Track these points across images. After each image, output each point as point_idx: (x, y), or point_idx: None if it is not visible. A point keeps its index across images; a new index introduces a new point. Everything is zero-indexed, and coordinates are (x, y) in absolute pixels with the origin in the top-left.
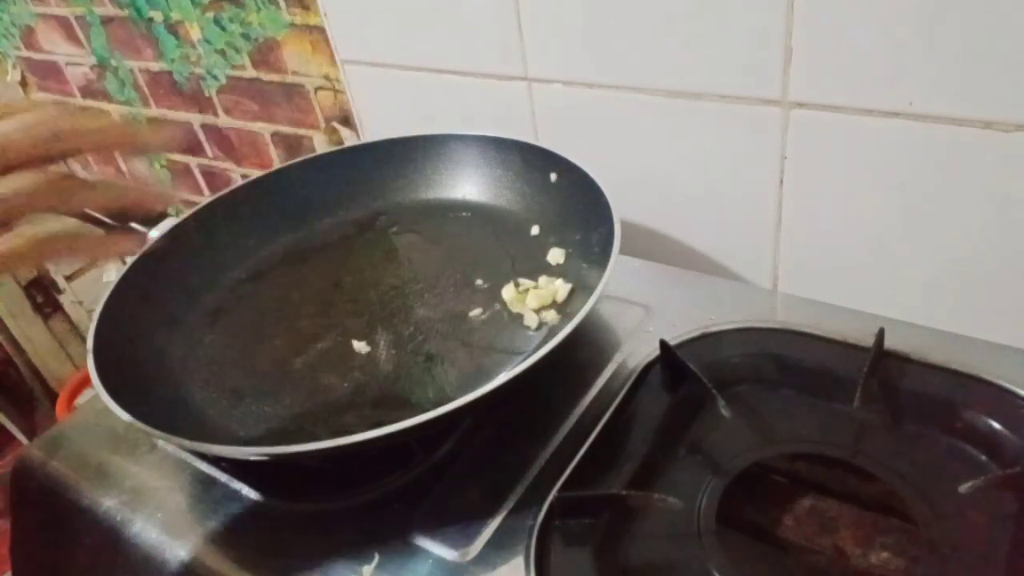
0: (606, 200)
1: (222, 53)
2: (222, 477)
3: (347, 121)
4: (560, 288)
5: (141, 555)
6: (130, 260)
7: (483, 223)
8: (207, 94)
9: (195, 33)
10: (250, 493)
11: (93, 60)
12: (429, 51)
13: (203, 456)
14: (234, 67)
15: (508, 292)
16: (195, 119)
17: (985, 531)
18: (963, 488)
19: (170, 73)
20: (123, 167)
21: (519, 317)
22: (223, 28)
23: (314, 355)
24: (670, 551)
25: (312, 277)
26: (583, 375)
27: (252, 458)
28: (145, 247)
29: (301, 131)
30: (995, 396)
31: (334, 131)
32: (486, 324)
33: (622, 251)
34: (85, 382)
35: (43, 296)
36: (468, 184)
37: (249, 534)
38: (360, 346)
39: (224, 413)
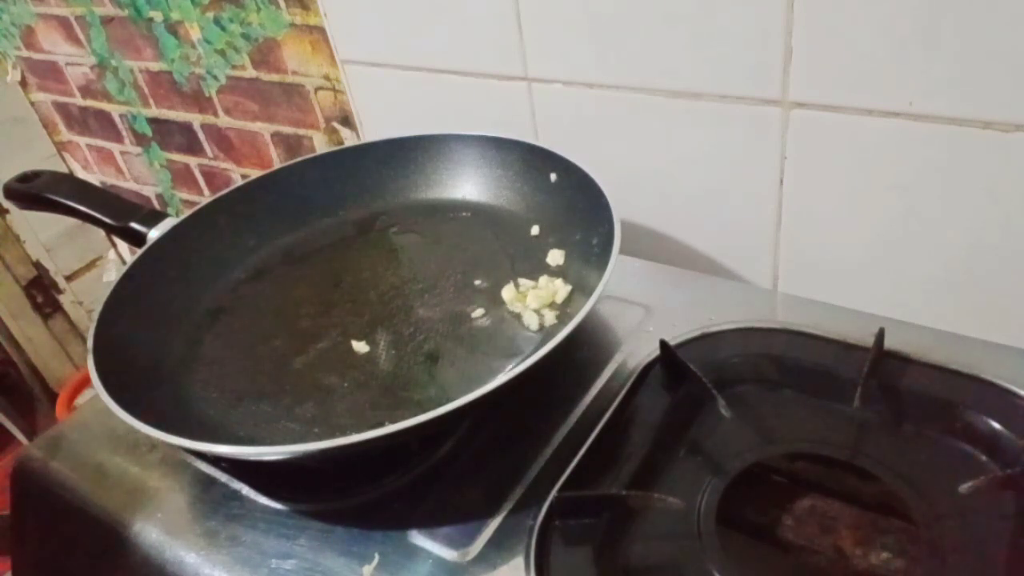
0: (606, 200)
1: (222, 53)
2: (222, 477)
3: (347, 121)
4: (560, 288)
5: (141, 555)
6: (130, 260)
7: (483, 223)
8: (207, 94)
9: (195, 33)
10: (250, 493)
11: (93, 60)
12: (429, 51)
13: (203, 456)
14: (234, 67)
15: (508, 292)
16: (195, 119)
17: (985, 531)
18: (963, 488)
19: (170, 73)
20: (123, 167)
21: (519, 317)
22: (223, 28)
23: (314, 355)
24: (670, 551)
25: (312, 277)
26: (583, 375)
27: (252, 458)
28: (145, 247)
29: (301, 131)
30: (995, 396)
31: (334, 131)
32: (486, 324)
33: (622, 251)
34: (85, 382)
35: (43, 296)
36: (468, 184)
37: (249, 534)
38: (360, 346)
39: (224, 413)
